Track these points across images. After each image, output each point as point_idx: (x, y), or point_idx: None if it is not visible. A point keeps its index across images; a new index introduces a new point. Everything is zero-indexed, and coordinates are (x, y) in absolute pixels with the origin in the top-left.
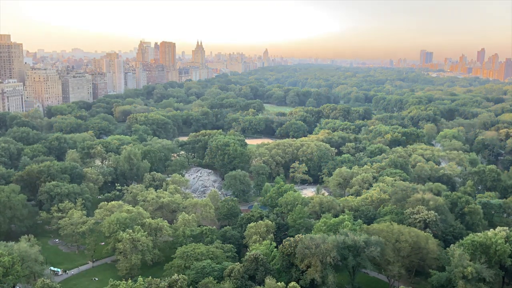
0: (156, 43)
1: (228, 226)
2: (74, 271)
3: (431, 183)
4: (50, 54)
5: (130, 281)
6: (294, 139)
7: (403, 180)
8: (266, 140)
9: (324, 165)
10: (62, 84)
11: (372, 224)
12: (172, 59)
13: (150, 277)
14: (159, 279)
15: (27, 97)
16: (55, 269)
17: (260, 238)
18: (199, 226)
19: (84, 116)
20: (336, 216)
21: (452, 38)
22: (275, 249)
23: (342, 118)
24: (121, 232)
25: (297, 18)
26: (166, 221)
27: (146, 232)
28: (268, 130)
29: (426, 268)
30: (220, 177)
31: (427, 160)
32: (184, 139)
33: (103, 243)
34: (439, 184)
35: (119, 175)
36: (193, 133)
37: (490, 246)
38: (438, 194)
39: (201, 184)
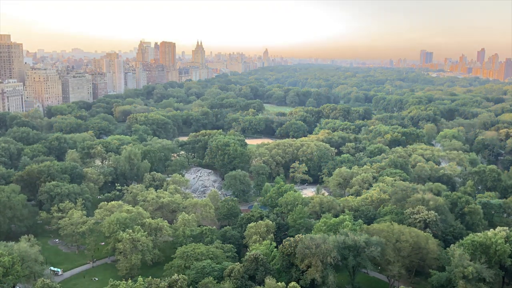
0: (156, 43)
1: (228, 226)
2: (74, 271)
3: (431, 183)
4: (50, 54)
5: (130, 281)
6: (294, 139)
7: (403, 180)
8: (266, 140)
9: (324, 165)
10: (62, 84)
11: (372, 224)
12: (172, 59)
13: (150, 277)
14: (159, 279)
15: (27, 97)
16: (55, 269)
17: (260, 238)
18: (199, 226)
19: (84, 116)
20: (336, 216)
21: (452, 38)
22: (275, 249)
23: (342, 118)
24: (121, 232)
25: (297, 19)
26: (166, 221)
27: (146, 232)
28: (268, 130)
29: (426, 268)
30: (220, 177)
31: (427, 160)
32: (184, 139)
33: (103, 243)
34: (439, 184)
35: (119, 175)
36: (193, 133)
37: (490, 246)
38: (438, 194)
39: (201, 184)
